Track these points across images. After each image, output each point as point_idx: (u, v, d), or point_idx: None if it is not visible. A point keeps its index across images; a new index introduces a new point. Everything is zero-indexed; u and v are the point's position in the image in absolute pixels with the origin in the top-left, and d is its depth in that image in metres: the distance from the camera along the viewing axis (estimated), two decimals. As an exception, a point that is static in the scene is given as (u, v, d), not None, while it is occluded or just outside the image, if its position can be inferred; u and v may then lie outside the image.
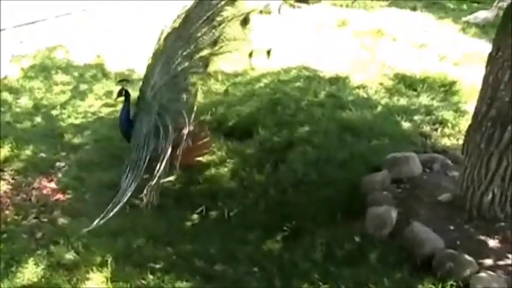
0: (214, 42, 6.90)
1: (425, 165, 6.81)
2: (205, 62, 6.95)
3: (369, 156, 7.20)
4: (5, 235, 6.01)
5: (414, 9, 13.60)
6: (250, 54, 6.88)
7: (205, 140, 7.10)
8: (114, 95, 7.07)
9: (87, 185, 7.01)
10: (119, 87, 7.12)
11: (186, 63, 6.97)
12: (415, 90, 9.20)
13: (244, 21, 6.75)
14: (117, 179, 6.99)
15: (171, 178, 6.50)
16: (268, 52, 6.80)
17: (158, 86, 6.85)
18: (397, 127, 8.02)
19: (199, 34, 6.90)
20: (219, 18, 6.86)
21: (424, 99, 8.84)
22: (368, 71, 9.78)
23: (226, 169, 7.00)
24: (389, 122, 8.12)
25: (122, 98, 6.98)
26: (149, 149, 6.45)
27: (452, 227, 5.88)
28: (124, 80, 7.19)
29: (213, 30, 6.88)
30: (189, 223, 6.49)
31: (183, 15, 6.92)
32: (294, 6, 13.57)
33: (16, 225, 6.24)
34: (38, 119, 8.42)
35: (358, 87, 9.24)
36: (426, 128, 7.98)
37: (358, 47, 10.89)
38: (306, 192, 6.67)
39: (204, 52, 6.97)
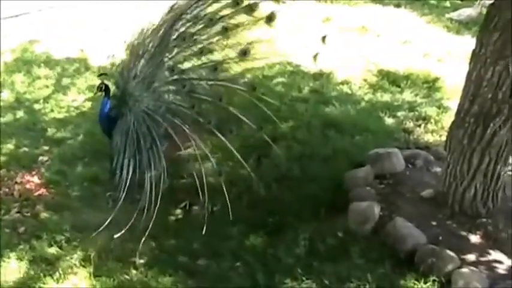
0: (244, 52, 6.80)
1: (408, 161, 6.86)
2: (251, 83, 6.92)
3: (352, 152, 7.24)
4: (-14, 229, 6.00)
5: (398, 5, 13.60)
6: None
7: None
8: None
9: (70, 179, 6.98)
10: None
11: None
12: (398, 86, 9.23)
13: (269, 19, 6.69)
14: (100, 173, 7.01)
15: (154, 173, 6.48)
16: (315, 56, 6.79)
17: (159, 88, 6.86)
18: (380, 123, 8.06)
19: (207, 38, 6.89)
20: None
21: (408, 96, 8.89)
22: (352, 67, 9.77)
23: (210, 164, 6.99)
24: (372, 117, 8.15)
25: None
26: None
27: (434, 223, 5.94)
28: (104, 74, 7.13)
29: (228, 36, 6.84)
30: (172, 218, 6.48)
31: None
32: (278, 2, 13.53)
33: (-2, 220, 6.22)
34: (21, 113, 8.35)
35: (341, 83, 9.25)
36: (409, 124, 8.03)
37: (342, 43, 10.88)
38: (289, 188, 6.68)
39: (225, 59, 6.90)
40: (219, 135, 6.53)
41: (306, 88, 9.03)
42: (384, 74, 9.57)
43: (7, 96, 8.89)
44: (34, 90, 9.10)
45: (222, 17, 6.78)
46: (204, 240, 6.03)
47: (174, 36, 6.85)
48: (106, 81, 6.91)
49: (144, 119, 6.59)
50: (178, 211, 6.54)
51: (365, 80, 9.41)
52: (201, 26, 6.83)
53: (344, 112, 8.24)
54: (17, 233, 6.05)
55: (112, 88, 6.92)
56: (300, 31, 11.14)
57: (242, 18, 6.78)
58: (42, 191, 6.74)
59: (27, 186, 6.79)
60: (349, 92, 9.02)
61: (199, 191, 6.07)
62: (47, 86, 9.20)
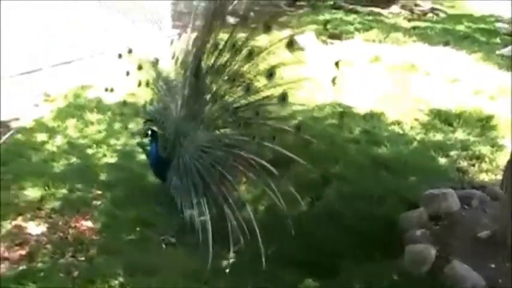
0: (270, 74, 6.78)
1: (464, 202, 6.72)
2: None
3: (405, 192, 7.16)
4: (41, 273, 6.03)
5: (446, 44, 13.58)
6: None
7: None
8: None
9: (122, 223, 6.99)
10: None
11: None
12: (450, 125, 9.15)
13: (291, 44, 6.63)
14: (151, 217, 7.01)
15: (203, 214, 6.49)
16: (334, 80, 6.72)
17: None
18: (434, 163, 7.98)
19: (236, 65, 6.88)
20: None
21: (460, 134, 8.80)
22: (402, 106, 9.74)
23: (262, 207, 6.98)
24: (425, 157, 8.08)
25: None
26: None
27: (492, 265, 5.78)
28: (150, 120, 7.21)
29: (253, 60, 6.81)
30: (225, 260, 6.44)
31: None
32: (326, 43, 13.63)
33: (53, 264, 6.25)
34: (74, 158, 8.45)
35: (393, 123, 9.24)
36: (463, 164, 7.92)
37: (392, 82, 10.86)
38: (342, 229, 6.60)
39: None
40: (273, 170, 6.47)
41: (357, 129, 9.01)
42: (435, 113, 9.52)
43: (61, 141, 9.02)
44: (87, 135, 9.23)
45: (245, 41, 6.77)
46: (257, 283, 5.97)
47: (206, 71, 6.90)
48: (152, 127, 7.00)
49: (202, 157, 6.64)
50: (231, 253, 6.48)
51: (416, 120, 9.35)
52: (228, 55, 6.84)
53: (396, 152, 8.20)
54: (72, 277, 6.05)
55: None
56: (349, 71, 11.15)
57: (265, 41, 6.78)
58: (96, 235, 6.79)
59: (81, 230, 6.85)
60: (401, 132, 8.99)
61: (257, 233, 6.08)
62: (99, 131, 9.33)
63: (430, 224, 6.46)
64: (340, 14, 16.95)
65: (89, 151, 8.73)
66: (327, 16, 16.61)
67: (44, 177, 7.68)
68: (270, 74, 6.74)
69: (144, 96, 7.85)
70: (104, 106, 10.19)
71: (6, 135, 9.27)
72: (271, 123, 6.92)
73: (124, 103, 8.43)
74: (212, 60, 6.86)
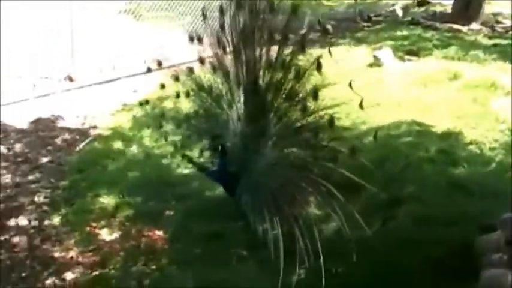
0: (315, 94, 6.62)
1: (543, 227, 6.50)
2: None
3: (481, 215, 6.93)
4: (113, 280, 6.16)
5: (528, 62, 13.23)
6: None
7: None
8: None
9: (194, 235, 7.02)
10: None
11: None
12: (532, 146, 8.88)
13: (319, 67, 6.49)
14: (223, 229, 7.01)
15: (275, 232, 6.44)
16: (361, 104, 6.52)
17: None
18: (512, 186, 7.73)
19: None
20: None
21: (543, 156, 8.52)
22: (481, 126, 9.52)
23: (330, 226, 6.89)
24: (504, 180, 7.83)
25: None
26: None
27: None
28: (218, 135, 7.22)
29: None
30: (294, 278, 6.38)
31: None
32: (403, 59, 13.48)
33: (125, 271, 6.36)
34: (148, 168, 8.56)
35: (471, 143, 9.01)
36: (544, 187, 7.65)
37: (471, 101, 10.63)
38: (414, 252, 6.42)
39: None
40: (339, 195, 6.35)
41: (433, 148, 8.81)
42: (516, 134, 9.26)
43: (136, 151, 9.16)
44: (162, 145, 9.31)
45: (291, 59, 6.68)
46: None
47: (266, 88, 6.86)
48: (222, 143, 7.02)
49: (273, 175, 6.63)
50: (300, 271, 6.41)
51: (496, 140, 9.10)
52: (281, 73, 6.75)
53: (473, 174, 8.00)
54: (142, 285, 6.15)
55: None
56: (427, 89, 11.02)
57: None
58: (168, 245, 6.86)
59: (153, 239, 6.94)
60: (479, 152, 8.77)
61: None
62: (174, 142, 9.39)
63: (507, 248, 6.26)
64: (418, 31, 16.71)
65: (164, 161, 8.83)
66: (405, 32, 16.42)
67: (119, 186, 7.83)
68: (314, 93, 6.59)
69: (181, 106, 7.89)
70: (179, 117, 10.28)
71: (84, 143, 9.51)
72: (333, 145, 6.79)
73: (162, 115, 8.42)
74: (269, 77, 6.82)
